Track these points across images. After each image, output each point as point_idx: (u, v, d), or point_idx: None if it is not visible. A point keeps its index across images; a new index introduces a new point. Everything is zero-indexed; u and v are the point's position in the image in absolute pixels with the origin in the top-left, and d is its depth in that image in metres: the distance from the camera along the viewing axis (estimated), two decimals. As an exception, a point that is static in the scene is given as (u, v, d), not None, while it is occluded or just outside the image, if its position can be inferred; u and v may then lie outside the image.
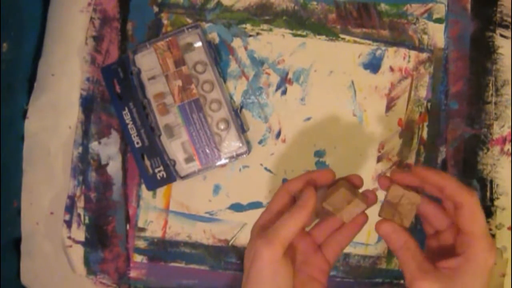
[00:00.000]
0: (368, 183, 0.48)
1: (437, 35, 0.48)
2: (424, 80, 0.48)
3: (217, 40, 0.48)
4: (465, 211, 0.32)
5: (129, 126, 0.47)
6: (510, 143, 0.48)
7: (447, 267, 0.32)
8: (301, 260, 0.37)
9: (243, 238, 0.48)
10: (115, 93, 0.48)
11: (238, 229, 0.48)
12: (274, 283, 0.32)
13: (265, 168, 0.48)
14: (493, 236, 0.47)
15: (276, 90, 0.48)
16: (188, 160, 0.47)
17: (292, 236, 0.33)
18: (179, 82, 0.47)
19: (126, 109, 0.47)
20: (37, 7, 0.49)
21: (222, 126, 0.47)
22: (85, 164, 0.48)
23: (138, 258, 0.48)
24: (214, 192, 0.48)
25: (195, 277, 0.48)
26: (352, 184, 0.37)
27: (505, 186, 0.47)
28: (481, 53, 0.48)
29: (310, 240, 0.38)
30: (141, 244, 0.48)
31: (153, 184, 0.47)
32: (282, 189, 0.36)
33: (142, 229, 0.48)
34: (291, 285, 0.33)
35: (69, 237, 0.48)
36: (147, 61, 0.47)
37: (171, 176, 0.47)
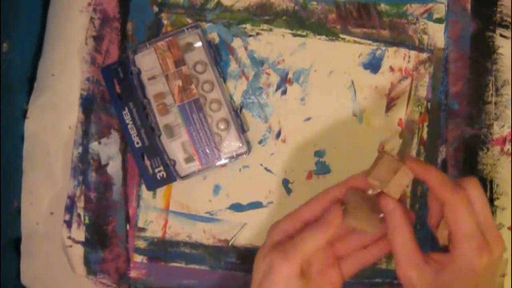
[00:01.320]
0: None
1: (437, 35, 0.48)
2: (424, 80, 0.48)
3: (217, 40, 0.48)
4: (448, 211, 0.31)
5: (129, 126, 0.47)
6: (510, 143, 0.48)
7: (436, 261, 0.31)
8: (317, 271, 0.35)
9: (243, 238, 0.48)
10: (115, 93, 0.48)
11: (238, 229, 0.48)
12: None
13: (265, 168, 0.48)
14: (493, 236, 0.47)
15: (276, 90, 0.48)
16: (188, 160, 0.47)
17: (312, 253, 0.32)
18: (179, 82, 0.47)
19: (126, 109, 0.47)
20: (37, 7, 0.49)
21: (222, 126, 0.47)
22: (85, 164, 0.48)
23: (138, 258, 0.48)
24: (214, 192, 0.48)
25: (195, 277, 0.48)
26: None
27: (505, 186, 0.47)
28: (481, 53, 0.48)
29: (330, 251, 0.36)
30: (141, 244, 0.48)
31: (153, 184, 0.47)
32: (316, 198, 0.34)
33: (142, 229, 0.48)
34: None
35: (69, 237, 0.48)
36: (147, 61, 0.47)
37: (171, 176, 0.47)
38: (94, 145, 0.48)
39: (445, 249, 0.33)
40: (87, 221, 0.48)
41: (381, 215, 0.33)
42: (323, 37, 0.48)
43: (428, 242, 0.46)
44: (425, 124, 0.48)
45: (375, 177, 0.32)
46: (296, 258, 0.31)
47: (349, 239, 0.36)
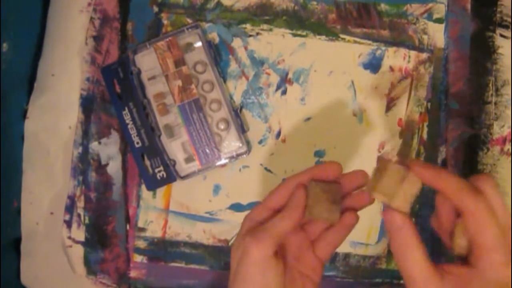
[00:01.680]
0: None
1: (437, 35, 0.48)
2: (424, 80, 0.48)
3: (217, 40, 0.48)
4: (470, 220, 0.28)
5: (129, 126, 0.47)
6: (510, 143, 0.48)
7: (456, 274, 0.28)
8: (293, 256, 0.35)
9: (243, 238, 0.48)
10: (115, 93, 0.48)
11: (238, 229, 0.48)
12: (263, 282, 0.31)
13: (265, 168, 0.48)
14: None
15: (276, 90, 0.48)
16: (188, 160, 0.47)
17: (283, 235, 0.32)
18: (179, 82, 0.47)
19: (126, 109, 0.47)
20: (37, 7, 0.49)
21: (222, 126, 0.47)
22: (85, 164, 0.48)
23: (138, 258, 0.48)
24: (214, 192, 0.48)
25: (195, 277, 0.48)
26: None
27: (505, 186, 0.47)
28: (481, 53, 0.48)
29: (303, 235, 0.36)
30: (141, 244, 0.48)
31: (153, 184, 0.47)
32: (282, 186, 0.35)
33: (142, 229, 0.48)
34: (281, 283, 0.32)
35: (69, 237, 0.48)
36: (147, 61, 0.47)
37: (171, 176, 0.47)
38: (94, 145, 0.48)
39: (461, 259, 0.30)
40: (87, 221, 0.48)
41: (341, 205, 0.33)
42: (323, 37, 0.48)
43: (428, 245, 0.46)
44: (425, 124, 0.48)
45: (381, 191, 0.28)
46: (267, 240, 0.31)
47: (317, 221, 0.36)
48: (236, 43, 0.48)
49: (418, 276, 0.28)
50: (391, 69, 0.48)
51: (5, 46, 0.46)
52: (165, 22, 0.49)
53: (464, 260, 0.29)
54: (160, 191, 0.48)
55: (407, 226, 0.28)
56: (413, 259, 0.28)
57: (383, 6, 0.48)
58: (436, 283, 0.28)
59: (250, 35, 0.48)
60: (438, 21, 0.48)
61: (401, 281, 0.47)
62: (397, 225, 0.28)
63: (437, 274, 0.28)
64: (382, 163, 0.29)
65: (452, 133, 0.48)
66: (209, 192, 0.48)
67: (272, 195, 0.35)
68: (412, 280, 0.28)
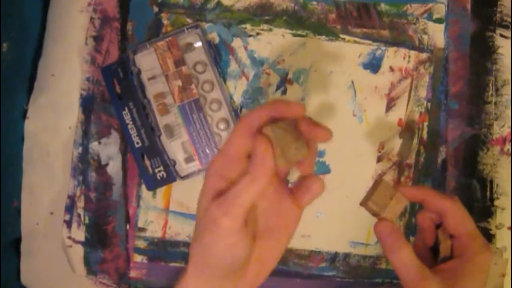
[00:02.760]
0: (368, 183, 0.48)
1: (437, 35, 0.48)
2: (424, 80, 0.48)
3: (217, 40, 0.48)
4: (451, 217, 0.34)
5: (129, 126, 0.47)
6: (510, 143, 0.48)
7: (446, 269, 0.33)
8: (268, 205, 0.32)
9: (243, 238, 0.48)
10: (115, 93, 0.48)
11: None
12: (232, 258, 0.29)
13: (265, 168, 0.48)
14: (493, 236, 0.47)
15: (276, 90, 0.48)
16: (188, 160, 0.47)
17: (254, 201, 0.29)
18: (179, 82, 0.47)
19: (126, 109, 0.47)
20: (37, 7, 0.49)
21: (222, 126, 0.47)
22: (85, 164, 0.48)
23: (138, 258, 0.48)
24: (214, 192, 0.48)
25: (195, 277, 0.48)
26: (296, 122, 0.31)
27: (505, 186, 0.47)
28: (481, 53, 0.48)
29: (278, 182, 0.33)
30: (141, 244, 0.48)
31: (153, 184, 0.47)
32: (240, 126, 0.30)
33: (142, 229, 0.48)
34: (249, 252, 0.30)
35: (69, 237, 0.48)
36: (147, 61, 0.47)
37: (171, 176, 0.47)
38: (94, 145, 0.48)
39: (446, 260, 0.35)
40: (87, 221, 0.48)
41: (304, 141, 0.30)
42: (323, 37, 0.48)
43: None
44: (425, 124, 0.48)
45: (375, 202, 0.34)
46: (236, 211, 0.28)
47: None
48: (236, 43, 0.48)
49: (411, 269, 0.32)
50: (391, 69, 0.48)
51: (5, 46, 0.46)
52: (165, 22, 0.49)
53: (448, 259, 0.35)
54: (160, 191, 0.48)
55: (395, 230, 0.33)
56: (405, 255, 0.32)
57: (383, 6, 0.48)
58: (426, 274, 0.31)
59: (250, 35, 0.48)
60: (438, 21, 0.48)
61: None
62: (387, 231, 0.33)
63: (426, 268, 0.32)
64: (378, 181, 0.34)
65: (452, 133, 0.48)
66: (209, 192, 0.48)
67: (230, 142, 0.30)
68: (406, 274, 0.32)
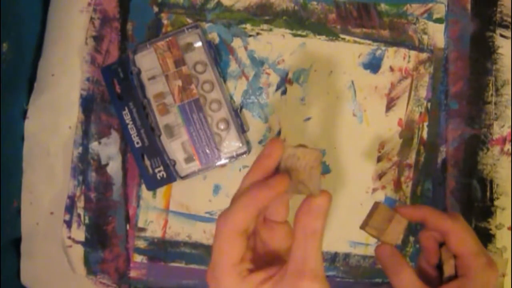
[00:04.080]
0: (368, 183, 0.48)
1: (437, 35, 0.48)
2: (424, 80, 0.48)
3: (217, 40, 0.48)
4: (453, 237, 0.33)
5: (129, 126, 0.47)
6: (510, 143, 0.48)
7: None
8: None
9: (243, 238, 0.48)
10: (115, 93, 0.48)
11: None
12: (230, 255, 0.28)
13: (265, 168, 0.48)
14: (493, 236, 0.47)
15: (276, 90, 0.48)
16: (188, 160, 0.47)
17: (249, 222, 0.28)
18: (179, 82, 0.47)
19: (126, 109, 0.47)
20: (37, 7, 0.49)
21: (222, 126, 0.47)
22: (85, 164, 0.48)
23: (138, 258, 0.48)
24: (214, 192, 0.48)
25: (195, 277, 0.48)
26: None
27: (505, 186, 0.47)
28: (481, 53, 0.48)
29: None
30: (141, 244, 0.48)
31: (153, 184, 0.47)
32: (226, 231, 0.28)
33: (142, 229, 0.48)
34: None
35: (69, 237, 0.48)
36: (147, 61, 0.47)
37: (171, 176, 0.47)
38: (94, 145, 0.48)
39: (451, 279, 0.35)
40: (87, 221, 0.48)
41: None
42: (323, 37, 0.48)
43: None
44: (425, 124, 0.48)
45: (373, 226, 0.34)
46: (236, 226, 0.27)
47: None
48: (236, 43, 0.48)
49: None
50: (391, 69, 0.48)
51: (5, 46, 0.46)
52: (165, 22, 0.49)
53: (453, 278, 0.34)
54: (160, 191, 0.48)
55: (396, 253, 0.33)
56: (406, 278, 0.32)
57: (383, 6, 0.48)
58: None
59: (250, 35, 0.48)
60: (438, 21, 0.48)
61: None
62: (387, 254, 0.33)
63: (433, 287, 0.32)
64: (375, 205, 0.35)
65: (452, 133, 0.48)
66: (209, 192, 0.48)
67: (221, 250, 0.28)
68: None
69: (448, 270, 0.34)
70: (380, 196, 0.47)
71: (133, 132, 0.47)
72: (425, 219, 0.34)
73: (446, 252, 0.35)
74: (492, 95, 0.48)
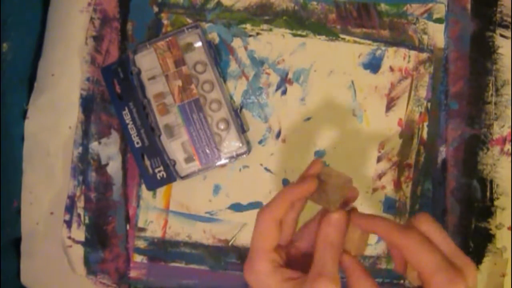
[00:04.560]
0: (368, 183, 0.48)
1: (437, 35, 0.48)
2: (424, 80, 0.48)
3: (217, 40, 0.48)
4: (407, 254, 0.30)
5: (129, 126, 0.47)
6: (510, 143, 0.48)
7: None
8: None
9: (243, 238, 0.48)
10: (115, 93, 0.48)
11: (238, 229, 0.48)
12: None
13: (265, 168, 0.48)
14: (493, 236, 0.47)
15: (276, 90, 0.48)
16: (188, 160, 0.47)
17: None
18: (179, 82, 0.47)
19: (126, 109, 0.47)
20: (37, 7, 0.49)
21: (222, 126, 0.47)
22: (85, 164, 0.48)
23: (138, 258, 0.48)
24: (214, 192, 0.48)
25: (195, 277, 0.48)
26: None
27: (505, 186, 0.47)
28: (481, 53, 0.48)
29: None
30: (141, 244, 0.48)
31: (153, 184, 0.47)
32: (265, 218, 0.33)
33: (142, 229, 0.48)
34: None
35: (69, 237, 0.48)
36: (147, 61, 0.47)
37: (171, 176, 0.47)
38: (94, 145, 0.48)
39: None
40: (87, 221, 0.48)
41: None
42: (323, 37, 0.48)
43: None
44: (425, 124, 0.48)
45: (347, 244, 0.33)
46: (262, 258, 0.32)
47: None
48: (236, 43, 0.48)
49: None
50: (391, 69, 0.48)
51: (5, 46, 0.46)
52: (165, 22, 0.49)
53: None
54: (160, 191, 0.48)
55: (355, 264, 0.32)
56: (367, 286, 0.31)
57: (383, 6, 0.48)
58: None
59: (250, 35, 0.48)
60: (438, 21, 0.48)
61: (401, 281, 0.47)
62: (346, 264, 0.32)
63: None
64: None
65: (452, 133, 0.48)
66: (209, 192, 0.48)
67: (259, 232, 0.33)
68: None
69: (414, 281, 0.32)
70: (380, 196, 0.47)
71: (133, 132, 0.47)
72: (377, 232, 0.32)
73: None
74: (492, 95, 0.48)
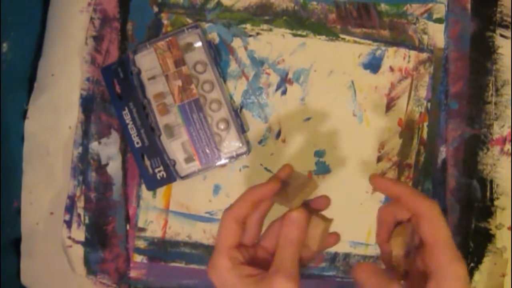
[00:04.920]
0: (368, 183, 0.47)
1: (437, 35, 0.48)
2: (424, 80, 0.48)
3: (217, 40, 0.48)
4: (426, 223, 0.31)
5: (129, 126, 0.47)
6: (510, 143, 0.48)
7: (415, 274, 0.32)
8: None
9: (243, 238, 0.48)
10: (115, 93, 0.48)
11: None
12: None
13: (265, 168, 0.48)
14: (493, 236, 0.47)
15: (276, 90, 0.48)
16: (188, 160, 0.47)
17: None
18: (179, 82, 0.47)
19: (126, 109, 0.47)
20: (37, 7, 0.49)
21: (222, 126, 0.47)
22: (85, 164, 0.48)
23: (138, 258, 0.48)
24: (214, 192, 0.48)
25: (195, 277, 0.48)
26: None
27: (505, 186, 0.47)
28: (481, 53, 0.48)
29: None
30: (141, 244, 0.48)
31: (153, 184, 0.47)
32: (227, 217, 0.34)
33: (142, 229, 0.48)
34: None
35: (69, 237, 0.48)
36: (147, 61, 0.47)
37: (171, 176, 0.47)
38: (94, 145, 0.48)
39: (391, 269, 0.33)
40: (87, 221, 0.48)
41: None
42: (323, 37, 0.48)
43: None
44: (425, 124, 0.48)
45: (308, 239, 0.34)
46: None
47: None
48: (236, 43, 0.48)
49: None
50: (391, 69, 0.48)
51: (5, 46, 0.46)
52: (165, 22, 0.49)
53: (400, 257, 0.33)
54: (160, 191, 0.48)
55: (379, 271, 0.32)
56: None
57: (383, 6, 0.48)
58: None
59: (250, 35, 0.48)
60: (438, 21, 0.48)
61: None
62: (369, 273, 0.31)
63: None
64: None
65: (452, 133, 0.48)
66: (209, 192, 0.48)
67: (222, 233, 0.34)
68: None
69: (395, 260, 0.33)
70: (380, 196, 0.47)
71: (133, 132, 0.47)
72: (401, 196, 0.32)
73: (396, 240, 0.33)
74: (492, 95, 0.48)
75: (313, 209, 0.35)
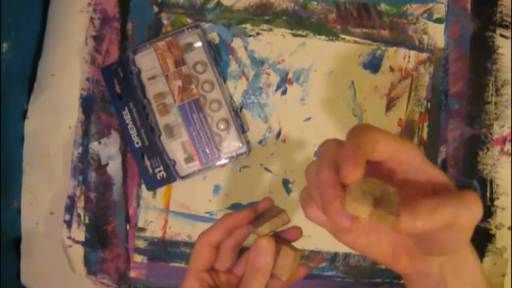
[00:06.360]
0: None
1: (437, 35, 0.48)
2: (424, 80, 0.48)
3: (217, 40, 0.48)
4: (425, 163, 0.30)
5: (129, 126, 0.47)
6: (510, 143, 0.48)
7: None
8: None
9: (243, 238, 0.48)
10: (115, 93, 0.48)
11: (238, 229, 0.48)
12: None
13: (265, 168, 0.48)
14: (493, 236, 0.47)
15: (276, 90, 0.48)
16: (188, 160, 0.47)
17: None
18: (179, 82, 0.47)
19: (126, 109, 0.47)
20: (37, 7, 0.49)
21: (222, 126, 0.47)
22: (85, 164, 0.48)
23: (138, 258, 0.48)
24: (214, 192, 0.48)
25: (195, 277, 0.48)
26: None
27: (505, 186, 0.47)
28: (481, 53, 0.48)
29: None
30: (141, 244, 0.48)
31: (153, 184, 0.47)
32: (201, 241, 0.35)
33: (142, 229, 0.48)
34: None
35: (69, 237, 0.48)
36: (147, 61, 0.47)
37: (171, 176, 0.47)
38: (94, 145, 0.48)
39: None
40: (87, 221, 0.48)
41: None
42: (323, 37, 0.48)
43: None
44: (425, 124, 0.48)
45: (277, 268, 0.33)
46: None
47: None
48: (236, 43, 0.48)
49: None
50: (391, 69, 0.48)
51: (5, 46, 0.46)
52: (165, 22, 0.49)
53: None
54: (160, 191, 0.48)
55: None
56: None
57: (383, 6, 0.48)
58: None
59: (250, 35, 0.48)
60: (438, 21, 0.48)
61: (401, 281, 0.47)
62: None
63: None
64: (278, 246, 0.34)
65: (452, 133, 0.48)
66: (209, 192, 0.48)
67: (195, 256, 0.35)
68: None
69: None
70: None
71: (133, 132, 0.47)
72: (377, 141, 0.28)
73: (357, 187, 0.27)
74: (492, 95, 0.48)
75: (284, 239, 0.35)
